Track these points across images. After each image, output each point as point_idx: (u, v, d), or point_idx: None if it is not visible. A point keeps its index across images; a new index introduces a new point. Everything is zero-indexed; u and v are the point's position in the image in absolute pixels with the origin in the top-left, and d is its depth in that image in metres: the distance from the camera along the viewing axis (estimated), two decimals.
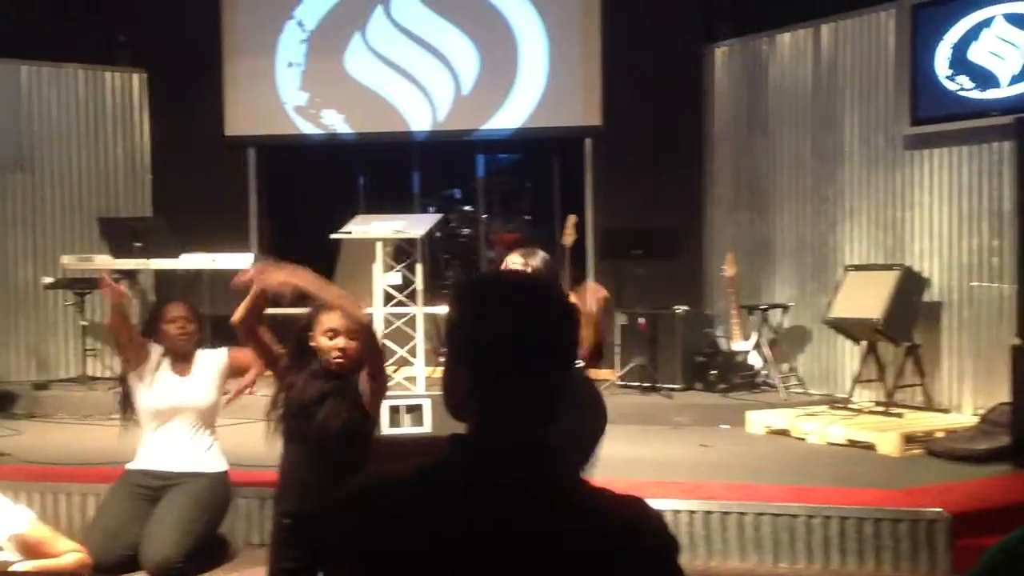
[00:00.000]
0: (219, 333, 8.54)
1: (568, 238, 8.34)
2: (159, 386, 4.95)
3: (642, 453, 6.45)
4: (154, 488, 4.88)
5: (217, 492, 4.95)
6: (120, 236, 8.13)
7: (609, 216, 9.13)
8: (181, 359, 4.99)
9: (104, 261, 8.40)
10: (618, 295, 8.92)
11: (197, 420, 4.95)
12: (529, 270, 4.67)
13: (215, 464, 4.98)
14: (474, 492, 1.50)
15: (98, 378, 8.47)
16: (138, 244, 7.89)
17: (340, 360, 3.57)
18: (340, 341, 3.56)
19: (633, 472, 5.73)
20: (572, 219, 8.54)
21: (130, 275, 8.39)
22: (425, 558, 1.47)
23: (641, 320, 8.34)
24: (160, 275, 8.98)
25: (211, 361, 5.01)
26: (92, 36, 9.33)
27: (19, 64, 9.07)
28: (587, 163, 9.33)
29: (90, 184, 9.35)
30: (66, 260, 8.72)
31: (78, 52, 9.23)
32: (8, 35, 8.79)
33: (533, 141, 9.76)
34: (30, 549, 3.65)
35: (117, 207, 9.41)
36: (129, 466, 4.97)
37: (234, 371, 5.01)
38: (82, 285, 8.45)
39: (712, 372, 8.09)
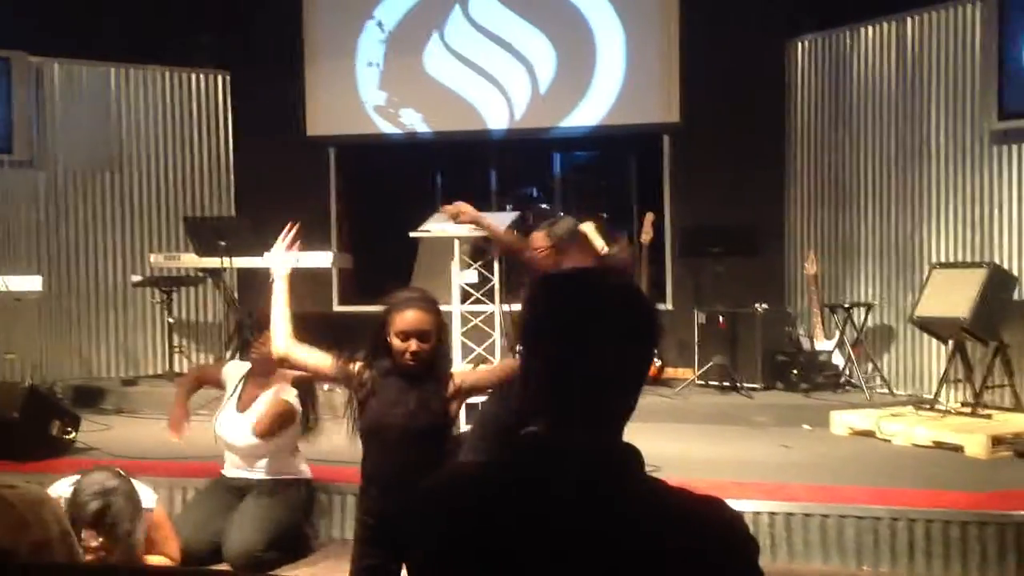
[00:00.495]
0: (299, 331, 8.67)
1: (645, 236, 8.33)
2: (224, 415, 5.15)
3: (721, 453, 6.39)
4: (240, 487, 5.02)
5: (299, 493, 5.10)
6: (205, 235, 8.29)
7: (687, 214, 9.05)
8: (261, 373, 5.10)
9: (190, 259, 8.59)
10: (697, 293, 8.86)
11: (260, 447, 5.06)
12: (552, 240, 4.69)
13: (292, 471, 5.09)
14: (548, 491, 1.49)
15: (183, 374, 8.65)
16: (222, 243, 8.03)
17: (411, 362, 3.57)
18: (412, 344, 3.55)
19: (712, 472, 5.68)
20: (649, 217, 8.54)
21: (215, 273, 8.56)
22: (501, 556, 1.47)
23: (720, 318, 8.26)
24: (243, 273, 9.14)
25: (274, 395, 5.07)
26: (178, 38, 9.54)
27: (108, 67, 9.31)
28: (665, 160, 9.27)
29: (176, 184, 9.56)
30: (154, 259, 8.94)
31: (164, 54, 9.45)
32: (98, 39, 9.03)
33: (610, 138, 9.73)
34: (149, 528, 3.83)
35: (202, 206, 9.61)
36: (222, 471, 5.14)
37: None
38: (169, 283, 8.64)
39: (793, 371, 7.97)
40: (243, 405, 5.10)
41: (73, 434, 6.10)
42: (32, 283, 7.92)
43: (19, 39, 8.72)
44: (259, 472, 5.06)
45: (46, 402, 6.34)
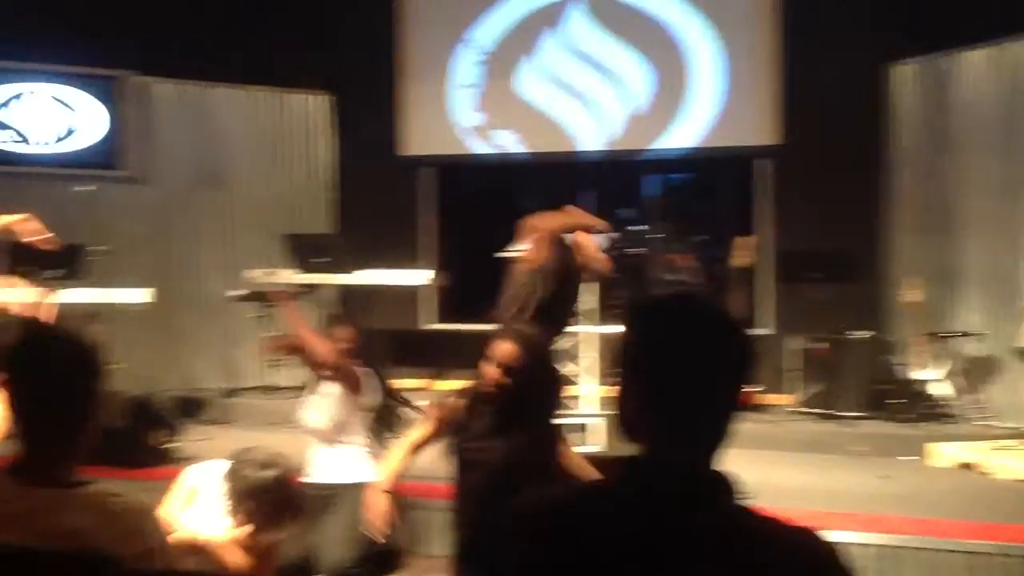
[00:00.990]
0: (395, 347, 8.79)
1: (740, 259, 8.23)
2: (303, 406, 5.23)
3: (817, 482, 6.27)
4: (322, 497, 5.06)
5: None
6: (302, 252, 8.43)
7: (785, 238, 8.93)
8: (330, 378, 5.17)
9: (287, 276, 8.74)
10: (795, 319, 8.71)
11: (335, 437, 5.10)
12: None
13: (369, 474, 5.09)
14: (646, 515, 1.49)
15: (280, 388, 8.82)
16: (318, 260, 8.17)
17: (490, 390, 3.56)
18: (494, 372, 3.55)
19: (807, 502, 5.58)
20: (745, 240, 8.44)
21: (311, 289, 8.70)
22: None
23: (819, 345, 8.11)
24: (338, 290, 9.29)
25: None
26: (280, 60, 9.77)
27: (215, 87, 9.57)
28: (763, 183, 9.16)
29: (276, 202, 9.77)
30: (253, 274, 9.12)
31: (267, 75, 9.68)
32: (203, 60, 9.29)
33: (706, 161, 9.65)
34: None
35: (300, 224, 9.79)
36: (305, 479, 5.20)
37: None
38: (267, 298, 8.81)
39: (893, 401, 7.79)
40: (314, 391, 5.21)
41: (174, 443, 6.26)
42: (138, 295, 8.15)
43: (129, 59, 9.03)
44: (337, 476, 5.07)
45: (149, 412, 6.52)
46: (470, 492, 3.67)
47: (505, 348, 3.59)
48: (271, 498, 3.54)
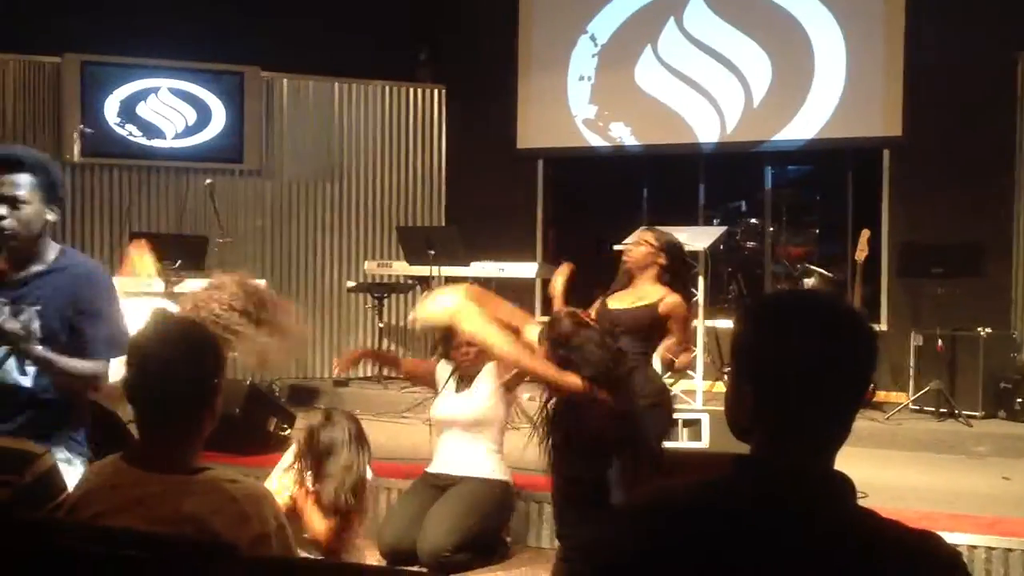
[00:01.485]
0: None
1: (860, 253, 8.03)
2: (442, 399, 5.31)
3: (935, 483, 6.08)
4: (440, 487, 5.12)
5: (492, 495, 5.12)
6: (415, 244, 8.55)
7: (907, 231, 8.67)
8: (468, 375, 5.22)
9: (401, 267, 8.88)
10: (915, 314, 8.47)
11: (475, 431, 5.15)
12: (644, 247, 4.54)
13: (494, 471, 5.15)
14: (759, 516, 1.47)
15: (392, 378, 8.95)
16: (432, 252, 8.26)
17: None
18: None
19: (925, 503, 5.42)
20: (865, 234, 8.23)
21: (423, 281, 8.81)
22: (707, 574, 1.46)
23: (939, 341, 7.86)
24: (450, 282, 9.37)
25: (490, 376, 5.19)
26: (398, 54, 9.91)
27: (333, 81, 9.75)
28: (884, 175, 8.91)
29: (392, 194, 9.92)
30: (367, 265, 9.30)
31: (385, 69, 9.82)
32: (323, 54, 9.47)
33: (826, 152, 9.43)
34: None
35: (415, 216, 9.92)
36: (426, 468, 5.27)
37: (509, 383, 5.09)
38: (381, 289, 8.96)
39: (1019, 400, 7.51)
40: (461, 388, 5.26)
41: (289, 431, 6.39)
42: None
43: (251, 55, 9.26)
44: (463, 469, 5.14)
45: (265, 400, 6.67)
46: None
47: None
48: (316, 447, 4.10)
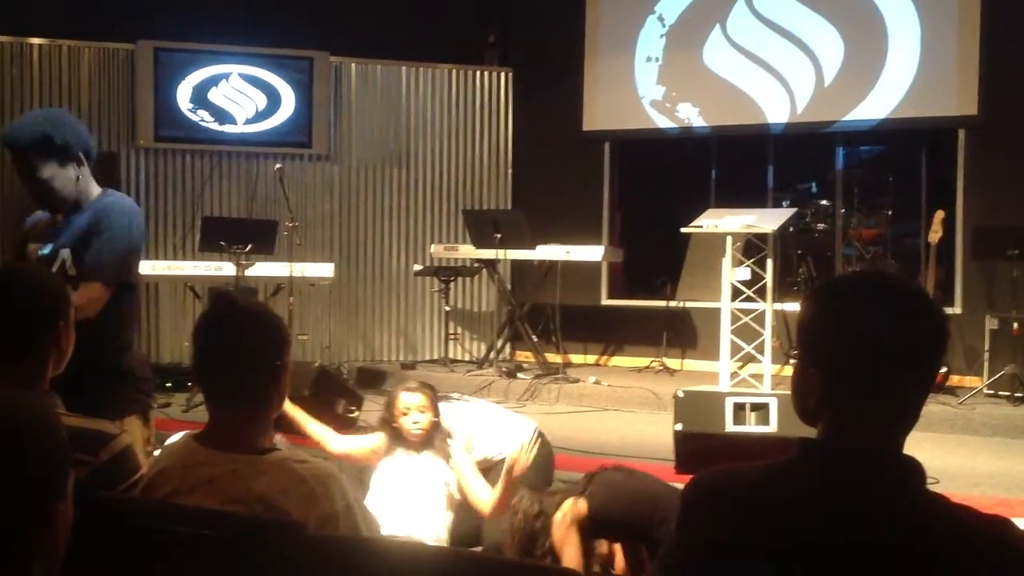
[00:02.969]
0: (573, 323, 8.84)
1: (934, 235, 7.87)
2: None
3: (1010, 469, 5.95)
4: None
5: None
6: (481, 227, 8.57)
7: (982, 212, 8.48)
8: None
9: (467, 250, 8.92)
10: (990, 297, 8.30)
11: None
12: None
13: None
14: (825, 499, 1.45)
15: (458, 360, 9.01)
16: (498, 235, 8.28)
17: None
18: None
19: (999, 489, 5.31)
20: (939, 215, 8.06)
21: (489, 264, 8.84)
22: (770, 557, 1.45)
23: (1015, 325, 7.68)
24: (516, 265, 9.40)
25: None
26: (466, 37, 9.92)
27: (400, 65, 9.80)
28: (960, 155, 8.72)
29: (458, 178, 9.95)
30: (433, 249, 9.35)
31: (452, 53, 9.85)
32: (391, 39, 9.53)
33: (899, 132, 9.26)
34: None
35: (481, 199, 9.95)
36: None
37: None
38: (447, 273, 9.00)
39: None
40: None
41: (356, 413, 6.46)
42: (325, 270, 8.47)
43: (320, 40, 9.35)
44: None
45: (334, 382, 6.74)
46: None
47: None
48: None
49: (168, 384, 7.51)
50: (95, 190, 3.45)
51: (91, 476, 2.11)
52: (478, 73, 10.01)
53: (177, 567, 1.93)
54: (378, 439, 4.26)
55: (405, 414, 4.14)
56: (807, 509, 1.46)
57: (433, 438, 4.16)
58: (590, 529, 3.97)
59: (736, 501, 1.52)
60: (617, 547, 4.13)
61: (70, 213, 3.39)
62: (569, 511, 3.99)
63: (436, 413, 4.19)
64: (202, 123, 9.35)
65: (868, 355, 1.47)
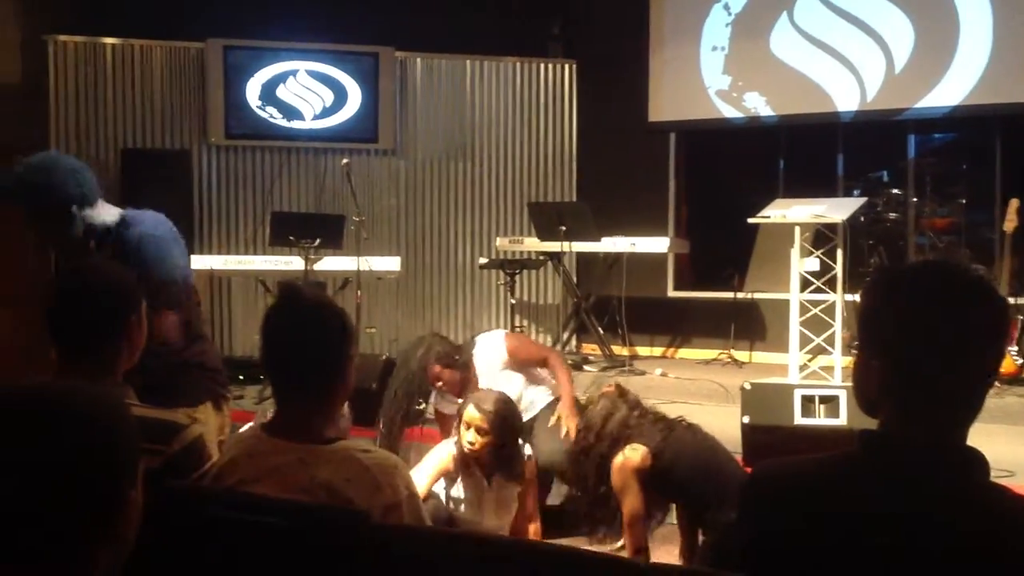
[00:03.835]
0: (639, 315, 8.80)
1: (1009, 223, 7.70)
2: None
3: None
4: None
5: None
6: (546, 220, 8.57)
7: None
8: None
9: (532, 243, 8.93)
10: None
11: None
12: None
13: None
14: (888, 491, 1.44)
15: None
16: (563, 228, 8.28)
17: None
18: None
19: None
20: (1014, 203, 7.88)
21: (555, 257, 8.84)
22: (833, 550, 1.44)
23: None
24: (581, 257, 9.39)
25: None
26: (530, 30, 9.92)
27: (465, 59, 9.84)
28: None
29: (522, 170, 9.96)
30: (499, 242, 9.38)
31: (516, 46, 9.85)
32: (455, 33, 9.56)
33: (972, 119, 9.05)
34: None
35: (546, 192, 9.95)
36: None
37: None
38: (512, 266, 9.02)
39: None
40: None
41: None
42: (392, 263, 8.54)
43: (385, 35, 9.42)
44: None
45: None
46: None
47: None
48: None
49: (240, 377, 7.63)
50: (111, 214, 3.37)
51: (164, 466, 2.17)
52: (542, 65, 10.00)
53: (245, 554, 1.98)
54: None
55: (467, 428, 4.16)
56: (867, 501, 1.45)
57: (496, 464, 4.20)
58: (648, 481, 3.98)
59: (796, 493, 1.51)
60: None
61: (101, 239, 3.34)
62: (633, 460, 4.00)
63: (500, 438, 4.15)
64: (271, 120, 9.48)
65: (927, 346, 1.46)
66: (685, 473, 3.97)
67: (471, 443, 4.11)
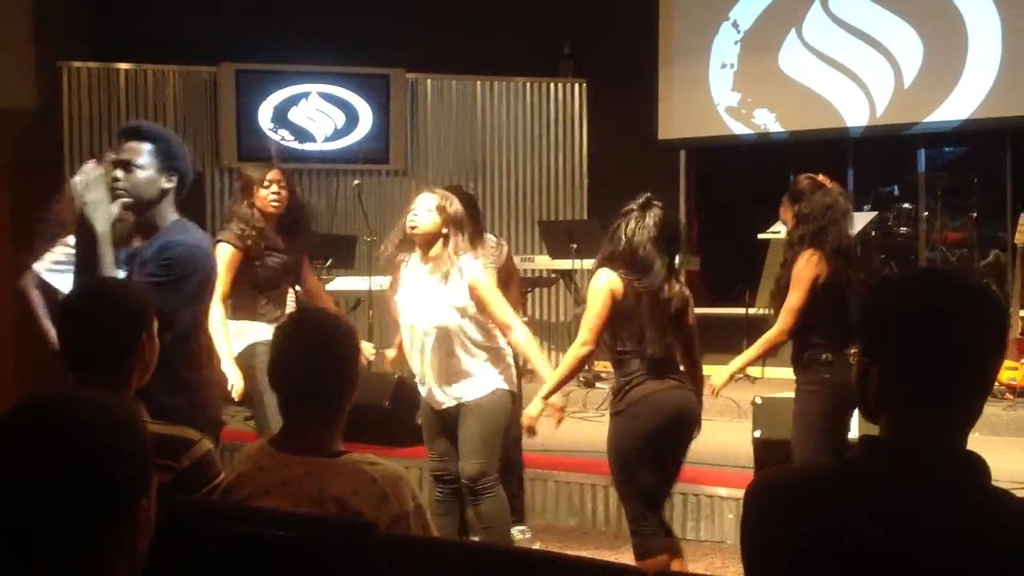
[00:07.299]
0: None
1: (1020, 236, 7.68)
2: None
3: None
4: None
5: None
6: (558, 237, 8.60)
7: None
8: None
9: (543, 261, 8.95)
10: None
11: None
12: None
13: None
14: (890, 496, 1.45)
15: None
16: (574, 245, 8.30)
17: None
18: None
19: None
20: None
21: (566, 274, 8.86)
22: (832, 556, 1.45)
23: None
24: (592, 275, 9.38)
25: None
26: (540, 49, 9.98)
27: (475, 80, 9.90)
28: None
29: (533, 189, 9.99)
30: None
31: (527, 65, 9.91)
32: (465, 54, 9.62)
33: (983, 132, 9.06)
34: None
35: (557, 210, 9.97)
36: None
37: None
38: (525, 283, 9.02)
39: None
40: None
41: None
42: None
43: (394, 57, 9.49)
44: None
45: (412, 393, 6.81)
46: None
47: None
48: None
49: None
50: (170, 217, 3.24)
51: (175, 481, 2.19)
52: (552, 85, 10.05)
53: (255, 568, 1.99)
54: None
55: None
56: (869, 506, 1.45)
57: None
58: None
59: (798, 500, 1.52)
60: None
61: (147, 236, 3.21)
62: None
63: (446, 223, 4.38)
64: (283, 142, 9.54)
65: (924, 352, 1.47)
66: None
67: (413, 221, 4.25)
